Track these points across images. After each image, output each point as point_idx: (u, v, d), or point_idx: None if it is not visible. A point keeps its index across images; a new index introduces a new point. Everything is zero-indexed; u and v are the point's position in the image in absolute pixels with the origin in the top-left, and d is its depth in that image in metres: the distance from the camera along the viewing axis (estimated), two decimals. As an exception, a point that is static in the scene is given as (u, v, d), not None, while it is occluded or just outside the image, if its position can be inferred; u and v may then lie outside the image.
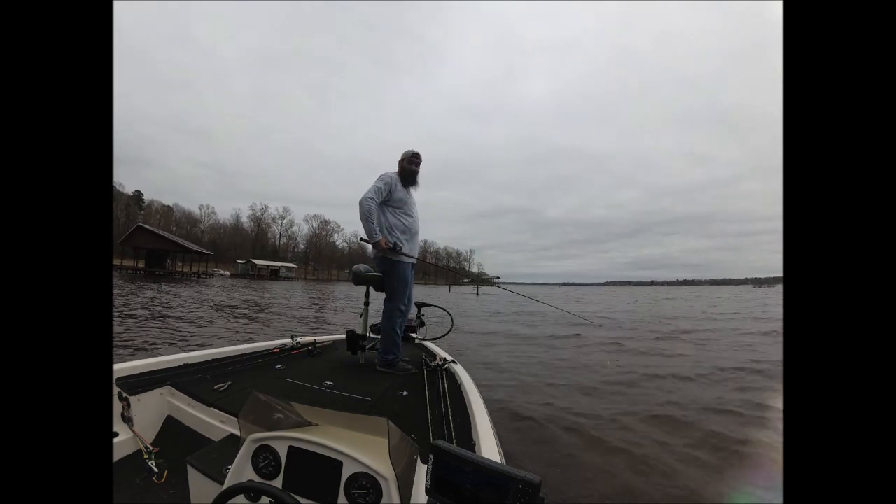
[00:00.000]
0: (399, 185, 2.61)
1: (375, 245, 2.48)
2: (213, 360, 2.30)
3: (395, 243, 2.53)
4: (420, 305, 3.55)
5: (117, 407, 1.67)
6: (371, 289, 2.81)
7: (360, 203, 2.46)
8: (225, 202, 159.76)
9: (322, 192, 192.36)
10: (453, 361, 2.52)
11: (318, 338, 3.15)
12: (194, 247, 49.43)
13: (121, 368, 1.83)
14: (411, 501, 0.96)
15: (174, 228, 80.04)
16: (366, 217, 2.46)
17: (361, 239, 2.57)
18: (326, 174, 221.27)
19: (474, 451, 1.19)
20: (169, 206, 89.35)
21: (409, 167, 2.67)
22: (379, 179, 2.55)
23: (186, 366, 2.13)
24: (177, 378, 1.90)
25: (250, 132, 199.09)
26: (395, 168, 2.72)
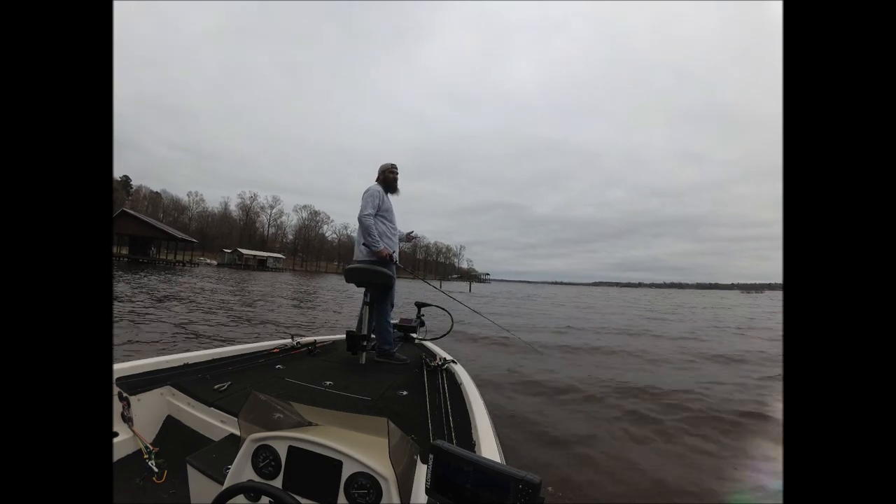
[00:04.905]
0: (385, 196, 2.87)
1: (377, 254, 2.72)
2: (213, 360, 2.29)
3: (391, 254, 2.78)
4: (420, 305, 3.56)
5: (117, 407, 1.67)
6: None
7: (360, 219, 2.71)
8: (205, 188, 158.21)
9: (299, 178, 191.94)
10: (453, 361, 2.53)
11: (318, 338, 3.15)
12: (179, 234, 48.28)
13: (121, 368, 1.82)
14: (411, 501, 0.97)
15: (161, 215, 78.49)
16: (367, 231, 2.70)
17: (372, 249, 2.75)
18: (303, 159, 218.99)
19: (474, 451, 1.19)
20: (157, 193, 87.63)
21: (390, 177, 2.94)
22: (370, 196, 2.76)
23: (186, 366, 2.12)
24: (177, 378, 1.89)
25: (225, 115, 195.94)
26: (373, 171, 2.99)
